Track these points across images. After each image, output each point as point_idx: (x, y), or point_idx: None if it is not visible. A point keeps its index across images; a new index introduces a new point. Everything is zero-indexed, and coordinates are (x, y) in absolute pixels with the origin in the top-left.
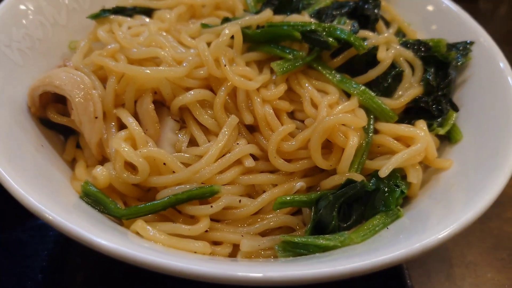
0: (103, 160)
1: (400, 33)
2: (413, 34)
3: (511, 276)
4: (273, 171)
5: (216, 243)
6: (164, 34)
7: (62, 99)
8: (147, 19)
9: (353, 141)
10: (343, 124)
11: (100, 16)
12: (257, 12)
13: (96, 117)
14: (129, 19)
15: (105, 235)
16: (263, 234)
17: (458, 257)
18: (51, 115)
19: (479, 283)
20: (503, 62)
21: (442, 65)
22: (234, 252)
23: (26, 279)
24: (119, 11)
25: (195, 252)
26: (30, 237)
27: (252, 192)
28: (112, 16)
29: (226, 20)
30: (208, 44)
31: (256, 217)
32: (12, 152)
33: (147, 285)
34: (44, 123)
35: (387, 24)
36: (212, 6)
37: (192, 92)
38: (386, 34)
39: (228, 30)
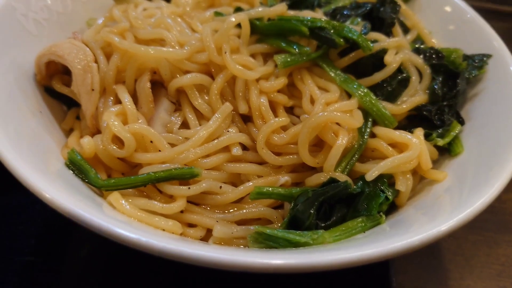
0: (98, 132)
1: (418, 40)
2: (432, 43)
3: None
4: (261, 163)
5: (191, 225)
6: (178, 19)
7: (69, 71)
8: (163, 3)
9: (341, 141)
10: (337, 123)
11: None
12: (271, 5)
13: (92, 90)
14: (146, 1)
15: (77, 203)
16: (240, 223)
17: (457, 279)
18: (55, 85)
19: None
20: None
21: (452, 74)
22: (207, 237)
23: (20, 243)
24: None
25: (163, 230)
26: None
27: (237, 181)
28: None
29: (238, 9)
30: (217, 31)
31: (235, 206)
32: (7, 114)
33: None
34: (49, 92)
35: (407, 31)
36: None
37: (190, 75)
38: (397, 38)
39: (234, 18)
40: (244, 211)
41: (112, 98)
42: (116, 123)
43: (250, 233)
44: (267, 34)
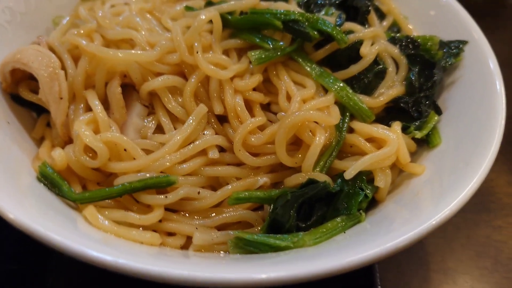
0: (70, 140)
1: (395, 26)
2: (408, 29)
3: (492, 286)
4: (239, 164)
5: (170, 234)
6: (148, 15)
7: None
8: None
9: (319, 140)
10: (315, 121)
11: None
12: None
13: (61, 98)
14: None
15: (46, 223)
16: (221, 228)
17: (438, 262)
18: (22, 92)
19: None
20: (493, 65)
21: (428, 65)
22: (187, 244)
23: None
24: None
25: (141, 243)
26: None
27: (215, 184)
28: None
29: (209, 3)
30: (188, 28)
31: (214, 210)
32: None
33: None
34: (17, 100)
35: (382, 16)
36: None
37: (161, 78)
38: (372, 28)
39: (204, 15)
40: (224, 215)
41: (82, 104)
42: (87, 133)
43: (230, 238)
44: (240, 29)
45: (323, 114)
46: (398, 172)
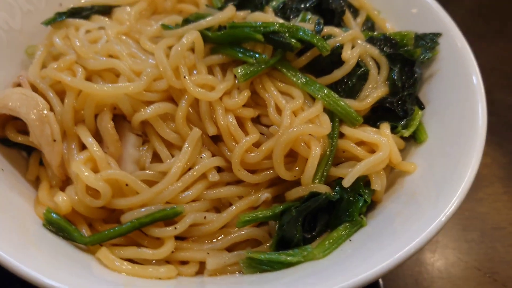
0: (67, 179)
1: (369, 21)
2: (382, 23)
3: (480, 258)
4: (239, 181)
5: (183, 262)
6: (124, 38)
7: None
8: (107, 19)
9: (315, 153)
10: None
11: (56, 20)
12: (220, 8)
13: (54, 140)
14: (86, 22)
15: (61, 274)
16: (230, 248)
17: None
18: (10, 134)
19: (447, 265)
20: (469, 57)
21: (408, 63)
22: (202, 269)
23: None
24: (76, 12)
25: (159, 279)
26: None
27: (218, 204)
28: (69, 20)
29: (186, 21)
30: (169, 47)
31: (222, 232)
32: None
33: None
34: (4, 142)
35: (356, 12)
36: (174, 1)
37: (152, 107)
38: (351, 31)
39: (185, 39)
40: (232, 236)
41: (75, 143)
42: (86, 173)
43: (242, 258)
44: (221, 43)
45: (316, 127)
46: (390, 170)
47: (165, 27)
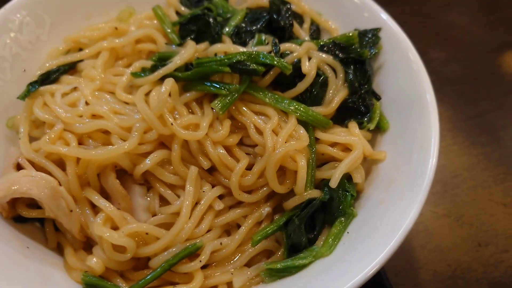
0: (87, 239)
1: (313, 24)
2: (326, 24)
3: (447, 206)
4: (239, 202)
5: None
6: (99, 93)
7: None
8: (78, 78)
9: (302, 164)
10: None
11: (30, 92)
12: (180, 44)
13: (71, 211)
14: (58, 86)
15: None
16: (248, 263)
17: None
18: (23, 212)
19: (423, 219)
20: (410, 47)
21: (359, 62)
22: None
23: None
24: (45, 78)
25: None
26: None
27: (227, 227)
28: (41, 88)
29: (154, 67)
30: (146, 94)
31: (238, 251)
32: (7, 274)
33: None
34: (18, 220)
35: (300, 17)
36: (132, 43)
37: (150, 158)
38: (305, 44)
39: (164, 88)
40: (248, 252)
41: (87, 207)
42: (108, 234)
43: (262, 270)
44: (191, 80)
45: (298, 142)
46: (364, 160)
47: (135, 75)
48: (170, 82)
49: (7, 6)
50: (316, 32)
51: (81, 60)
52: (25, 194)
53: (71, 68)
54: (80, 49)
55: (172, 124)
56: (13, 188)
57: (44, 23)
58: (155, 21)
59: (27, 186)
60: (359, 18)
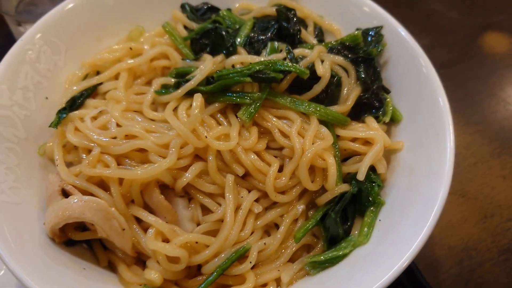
0: (137, 254)
1: (316, 27)
2: (329, 26)
3: (452, 183)
4: (274, 203)
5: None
6: (132, 115)
7: None
8: (103, 102)
9: (331, 161)
10: None
11: (60, 119)
12: (196, 59)
13: (123, 229)
14: (86, 111)
15: None
16: (292, 258)
17: None
18: (72, 236)
19: None
20: (413, 43)
21: (367, 60)
22: (277, 283)
23: None
24: (72, 104)
25: None
26: None
27: (266, 228)
28: (70, 114)
29: (178, 83)
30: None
31: (281, 248)
32: None
33: None
34: (68, 244)
35: (302, 22)
36: (148, 61)
37: (190, 172)
38: (316, 48)
39: (195, 103)
40: (291, 249)
41: (134, 224)
42: (162, 246)
43: (306, 263)
44: (213, 92)
45: (324, 141)
46: None
47: (159, 92)
48: (199, 97)
49: (24, 37)
50: (320, 34)
51: (100, 83)
52: (79, 219)
53: (92, 91)
54: (98, 72)
55: (206, 137)
56: (67, 214)
57: (60, 50)
58: (166, 37)
59: (80, 211)
60: (359, 17)
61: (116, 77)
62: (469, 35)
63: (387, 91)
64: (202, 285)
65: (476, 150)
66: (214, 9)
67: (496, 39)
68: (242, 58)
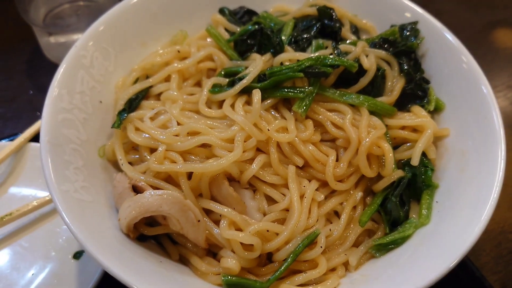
0: (208, 246)
1: (352, 25)
2: (364, 24)
3: None
4: (333, 191)
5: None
6: (189, 113)
7: None
8: (159, 102)
9: (388, 148)
10: None
11: (121, 120)
12: (244, 58)
13: (199, 221)
14: (143, 111)
15: None
16: (355, 243)
17: None
18: (144, 231)
19: None
20: (452, 38)
21: (409, 53)
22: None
23: None
24: (129, 106)
25: None
26: None
27: (327, 215)
28: (130, 115)
29: (233, 82)
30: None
31: (344, 234)
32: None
33: None
34: (141, 239)
35: (337, 21)
36: (196, 63)
37: (255, 164)
38: (360, 43)
39: (256, 98)
40: (354, 235)
41: (205, 216)
42: (238, 234)
43: (371, 246)
44: (266, 88)
45: (378, 130)
46: None
47: (213, 91)
48: (258, 93)
49: (77, 43)
50: (356, 32)
51: (152, 87)
52: (157, 212)
53: (146, 93)
54: (147, 76)
55: (268, 130)
56: (144, 208)
57: (110, 55)
58: (209, 40)
59: (158, 204)
60: (391, 14)
61: (166, 79)
62: (478, 32)
63: (427, 82)
64: (281, 269)
65: None
66: (250, 12)
67: (506, 34)
68: (290, 55)
